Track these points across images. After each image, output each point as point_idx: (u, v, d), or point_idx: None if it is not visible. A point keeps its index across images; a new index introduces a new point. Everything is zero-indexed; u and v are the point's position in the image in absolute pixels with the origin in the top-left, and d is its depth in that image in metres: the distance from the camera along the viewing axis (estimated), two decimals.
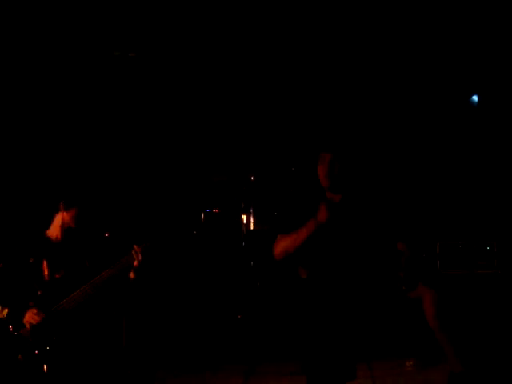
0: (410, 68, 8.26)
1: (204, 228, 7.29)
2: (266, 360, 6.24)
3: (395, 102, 8.35)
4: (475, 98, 8.59)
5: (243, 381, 5.83)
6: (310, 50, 8.01)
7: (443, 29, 7.98)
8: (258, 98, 8.10)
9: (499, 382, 4.75)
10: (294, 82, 8.14)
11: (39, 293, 4.14)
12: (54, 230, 4.29)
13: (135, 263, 4.15)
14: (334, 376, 3.81)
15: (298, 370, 5.92)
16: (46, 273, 4.19)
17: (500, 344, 6.22)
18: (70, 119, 7.57)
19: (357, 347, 3.94)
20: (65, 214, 4.25)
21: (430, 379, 5.96)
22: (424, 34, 8.06)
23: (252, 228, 7.11)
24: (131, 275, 4.22)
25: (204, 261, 7.14)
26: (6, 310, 4.08)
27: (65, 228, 4.27)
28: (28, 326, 4.04)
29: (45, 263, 4.20)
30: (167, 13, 7.50)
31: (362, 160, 4.36)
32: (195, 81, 8.01)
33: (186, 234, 7.20)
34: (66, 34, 7.44)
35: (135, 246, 4.17)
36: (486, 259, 7.10)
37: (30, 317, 4.03)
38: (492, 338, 6.47)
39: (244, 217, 7.16)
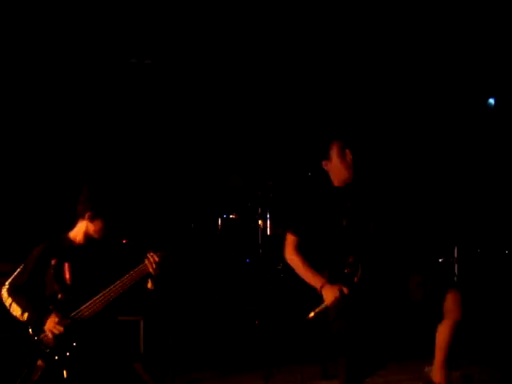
0: (428, 71, 8.25)
1: (221, 234, 7.30)
2: (285, 363, 6.22)
3: (413, 106, 8.33)
4: (492, 100, 8.56)
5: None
6: (328, 55, 8.03)
7: (460, 31, 7.97)
8: (274, 103, 8.12)
9: None
10: (310, 88, 8.15)
11: (59, 296, 4.14)
12: (76, 234, 4.31)
13: (151, 271, 4.15)
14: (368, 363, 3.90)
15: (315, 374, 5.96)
16: (68, 276, 4.19)
17: None
18: (90, 126, 7.62)
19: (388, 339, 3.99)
20: (89, 224, 4.26)
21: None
22: (442, 37, 8.05)
23: (269, 233, 7.11)
24: (149, 285, 4.23)
25: (221, 267, 7.15)
26: (26, 315, 4.10)
27: (88, 236, 4.28)
28: (50, 334, 4.05)
29: (66, 266, 4.20)
30: (183, 20, 7.54)
31: (377, 160, 4.39)
32: (211, 86, 8.04)
33: (203, 240, 7.24)
34: (83, 41, 7.50)
35: (151, 253, 4.17)
36: (505, 265, 7.07)
37: (53, 326, 4.04)
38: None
39: (261, 222, 7.16)
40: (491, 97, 8.57)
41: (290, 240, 4.09)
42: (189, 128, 7.93)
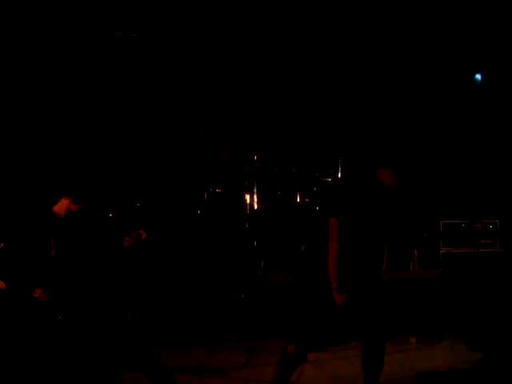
0: (414, 48, 8.23)
1: (207, 208, 7.29)
2: (270, 337, 6.26)
3: (400, 83, 8.33)
4: (478, 76, 8.56)
5: (248, 357, 5.86)
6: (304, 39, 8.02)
7: (446, 9, 7.95)
8: (258, 77, 8.08)
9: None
10: (294, 66, 8.12)
11: (45, 270, 4.15)
12: (60, 209, 4.31)
13: (125, 244, 4.18)
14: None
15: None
16: (53, 251, 4.20)
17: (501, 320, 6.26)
18: (75, 105, 7.56)
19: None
20: (72, 205, 4.27)
21: (432, 355, 6.01)
22: (427, 14, 8.03)
23: (256, 207, 7.11)
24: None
25: (208, 240, 7.15)
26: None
27: (70, 212, 4.28)
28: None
29: (52, 242, 4.21)
30: None
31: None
32: (199, 61, 7.98)
33: (189, 214, 7.24)
34: (67, 16, 7.41)
35: (132, 232, 4.19)
36: (488, 238, 7.12)
37: (38, 295, 4.06)
38: (493, 315, 6.52)
39: (247, 196, 7.15)
40: (478, 72, 8.56)
41: (333, 224, 4.31)
42: (175, 102, 7.88)
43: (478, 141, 8.20)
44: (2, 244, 4.21)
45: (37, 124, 7.31)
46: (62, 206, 4.32)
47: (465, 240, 7.03)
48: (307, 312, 4.28)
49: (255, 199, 7.11)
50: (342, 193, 4.59)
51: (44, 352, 4.06)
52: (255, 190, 7.08)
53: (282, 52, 8.04)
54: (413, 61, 8.27)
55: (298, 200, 7.33)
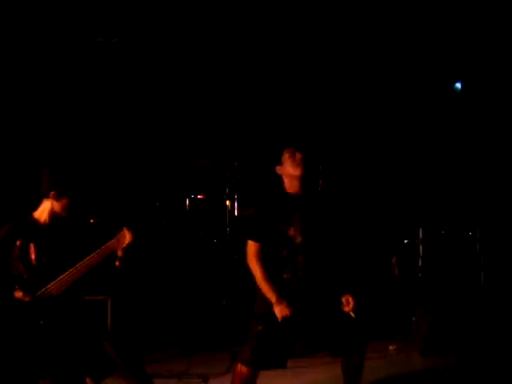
0: (393, 56, 8.29)
1: (189, 214, 7.29)
2: None
3: (379, 91, 8.38)
4: (459, 85, 8.63)
5: (230, 364, 5.86)
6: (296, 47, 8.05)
7: (426, 16, 8.01)
8: (241, 85, 8.11)
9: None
10: (277, 77, 8.15)
11: (25, 276, 4.13)
12: (41, 214, 4.28)
13: (119, 252, 4.16)
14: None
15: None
16: (33, 257, 4.18)
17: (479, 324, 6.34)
18: (55, 107, 7.53)
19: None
20: (54, 202, 4.24)
21: (411, 363, 6.05)
22: (407, 22, 8.09)
23: (236, 214, 7.12)
24: (117, 263, 4.22)
25: (189, 247, 7.15)
26: None
27: (53, 214, 4.26)
28: None
29: (32, 247, 4.19)
30: None
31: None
32: (180, 66, 7.99)
33: (170, 220, 7.24)
34: (48, 21, 7.39)
35: (125, 229, 4.16)
36: (468, 245, 7.18)
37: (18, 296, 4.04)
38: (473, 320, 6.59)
39: (228, 202, 7.16)
40: (458, 81, 8.64)
41: (252, 247, 4.20)
42: (157, 108, 7.88)
43: (458, 148, 8.27)
44: None
45: (15, 127, 7.28)
46: (43, 209, 4.30)
47: (444, 247, 7.08)
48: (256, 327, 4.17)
49: (236, 206, 7.12)
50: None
51: (23, 355, 4.04)
52: (236, 197, 7.09)
53: (262, 62, 8.06)
54: (392, 69, 8.32)
55: None
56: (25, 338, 4.04)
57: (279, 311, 4.03)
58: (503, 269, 7.13)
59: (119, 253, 4.18)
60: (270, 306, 4.08)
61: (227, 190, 7.17)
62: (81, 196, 4.33)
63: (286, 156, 4.21)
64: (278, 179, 4.26)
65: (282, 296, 4.07)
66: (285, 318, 4.04)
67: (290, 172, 4.17)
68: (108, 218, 6.37)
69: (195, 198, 7.34)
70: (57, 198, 4.21)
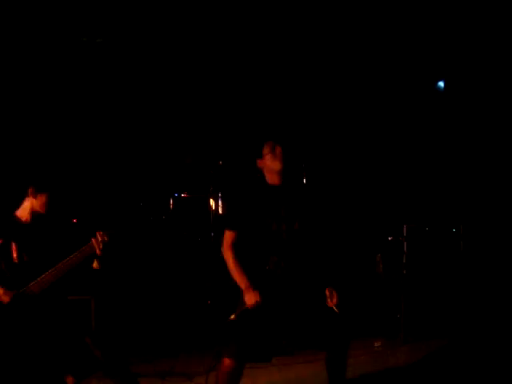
0: (376, 54, 8.31)
1: (173, 213, 7.27)
2: None
3: (363, 89, 8.40)
4: (441, 83, 8.67)
5: (214, 363, 5.83)
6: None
7: (409, 15, 8.04)
8: (225, 83, 8.10)
9: None
10: (261, 75, 8.15)
11: (7, 275, 4.12)
12: (23, 212, 4.28)
13: (97, 251, 4.15)
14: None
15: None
16: (15, 255, 4.17)
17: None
18: (37, 105, 7.49)
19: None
20: (33, 200, 4.24)
21: (396, 358, 6.07)
22: (390, 21, 8.12)
23: (220, 212, 7.11)
24: (94, 265, 4.23)
25: (173, 246, 7.12)
26: None
27: (34, 213, 4.26)
28: None
29: (14, 246, 4.18)
30: None
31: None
32: (165, 65, 7.98)
33: (153, 218, 7.21)
34: (33, 20, 7.37)
35: (100, 232, 4.17)
36: (452, 242, 7.20)
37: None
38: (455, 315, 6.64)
39: (212, 201, 7.15)
40: (441, 80, 8.67)
41: (227, 235, 4.21)
42: (141, 107, 7.86)
43: (441, 146, 8.30)
44: None
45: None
46: (24, 208, 4.29)
47: (428, 244, 7.10)
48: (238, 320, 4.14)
49: (220, 204, 7.11)
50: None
51: (6, 355, 4.02)
52: (220, 195, 7.08)
53: (245, 60, 8.06)
54: (375, 68, 8.35)
55: None
56: (5, 336, 4.03)
57: (248, 299, 4.02)
58: (487, 265, 7.16)
59: (97, 253, 4.18)
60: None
61: (211, 189, 7.15)
62: (59, 193, 4.33)
63: (266, 150, 4.21)
64: (260, 172, 4.26)
65: (264, 288, 4.07)
66: (257, 307, 4.02)
67: (269, 166, 4.17)
68: (90, 217, 6.34)
69: (179, 196, 7.32)
70: (35, 195, 4.21)
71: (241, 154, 7.41)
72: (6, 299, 4.03)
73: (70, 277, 4.25)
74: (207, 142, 7.88)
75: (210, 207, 7.17)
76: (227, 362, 4.12)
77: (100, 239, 4.15)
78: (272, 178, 4.21)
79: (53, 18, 7.45)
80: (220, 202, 7.09)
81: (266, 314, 4.08)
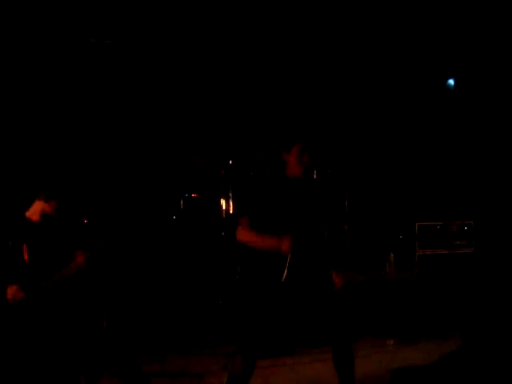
0: (385, 52, 8.29)
1: (183, 213, 7.26)
2: None
3: (372, 87, 8.38)
4: (451, 81, 8.64)
5: (226, 362, 5.84)
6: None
7: (419, 12, 8.02)
8: (235, 83, 8.09)
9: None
10: (271, 75, 8.14)
11: (19, 275, 4.13)
12: (33, 213, 4.29)
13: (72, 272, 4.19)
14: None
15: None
16: (26, 257, 4.19)
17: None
18: (46, 107, 7.50)
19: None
20: (45, 204, 4.26)
21: (409, 356, 6.05)
22: (399, 19, 8.10)
23: (231, 212, 7.09)
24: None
25: (184, 246, 7.12)
26: None
27: (44, 214, 4.27)
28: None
29: (25, 247, 4.20)
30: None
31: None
32: (173, 65, 7.98)
33: (165, 220, 7.22)
34: (41, 21, 7.38)
35: (79, 253, 4.21)
36: (463, 239, 7.17)
37: (13, 294, 4.03)
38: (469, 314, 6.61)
39: (223, 201, 7.13)
40: (451, 78, 8.64)
41: (243, 222, 4.26)
42: (150, 108, 7.86)
43: (452, 144, 8.27)
44: None
45: (5, 126, 7.25)
46: (35, 210, 4.31)
47: (440, 241, 7.07)
48: (249, 316, 4.18)
49: (231, 204, 7.10)
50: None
51: (17, 355, 4.03)
52: (231, 195, 7.07)
53: (256, 59, 8.06)
54: (385, 66, 8.32)
55: None
56: (18, 336, 4.03)
57: (285, 245, 4.02)
58: (498, 262, 7.13)
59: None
60: (260, 295, 4.11)
61: (222, 189, 7.14)
62: (70, 199, 4.37)
63: (294, 150, 4.27)
64: (282, 164, 4.32)
65: (272, 288, 4.09)
66: (276, 308, 4.04)
67: (292, 168, 4.27)
68: (101, 218, 6.35)
69: (189, 196, 7.31)
70: (46, 200, 4.24)
71: (251, 153, 7.40)
72: (20, 295, 4.04)
73: (81, 279, 4.26)
74: (217, 141, 7.87)
75: (221, 207, 7.15)
76: (239, 359, 4.13)
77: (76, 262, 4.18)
78: (291, 173, 4.29)
79: (61, 18, 7.46)
80: (231, 202, 7.08)
81: (277, 311, 4.10)
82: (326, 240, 4.33)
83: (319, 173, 6.84)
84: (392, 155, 8.26)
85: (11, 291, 4.08)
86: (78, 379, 4.31)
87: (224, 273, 7.00)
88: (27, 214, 4.33)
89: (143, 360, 5.86)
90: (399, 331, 6.80)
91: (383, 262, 6.75)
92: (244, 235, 4.22)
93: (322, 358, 5.58)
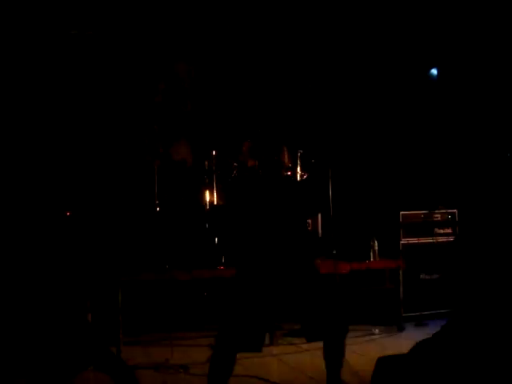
0: (368, 41, 8.28)
1: (167, 205, 7.24)
2: None
3: (354, 78, 8.37)
4: (434, 71, 8.65)
5: (210, 353, 5.83)
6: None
7: (401, 2, 8.03)
8: (218, 71, 8.07)
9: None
10: (258, 65, 8.13)
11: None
12: None
13: None
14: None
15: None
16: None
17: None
18: (28, 100, 7.45)
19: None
20: None
21: (394, 344, 6.08)
22: (382, 7, 8.10)
23: (216, 203, 7.07)
24: None
25: (168, 238, 7.09)
26: None
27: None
28: None
29: None
30: None
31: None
32: (156, 56, 7.95)
33: (148, 212, 7.20)
34: (21, 13, 7.32)
35: None
36: (447, 227, 7.20)
37: None
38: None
39: (207, 192, 7.10)
40: (433, 67, 8.65)
41: None
42: (133, 99, 7.82)
43: (435, 132, 8.29)
44: None
45: None
46: None
47: (424, 230, 7.09)
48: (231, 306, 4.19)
49: (215, 195, 7.07)
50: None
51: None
52: (215, 186, 7.04)
53: (246, 51, 8.05)
54: (367, 55, 8.32)
55: None
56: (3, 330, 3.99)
57: None
58: (483, 251, 7.14)
59: None
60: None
61: (206, 180, 7.11)
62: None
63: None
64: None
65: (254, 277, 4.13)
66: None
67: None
68: (83, 210, 6.32)
69: (173, 188, 7.30)
70: None
71: (235, 143, 7.37)
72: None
73: (67, 269, 4.23)
74: (201, 132, 7.86)
75: (205, 198, 7.12)
76: (217, 350, 4.14)
77: None
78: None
79: (42, 10, 7.40)
80: (215, 193, 7.05)
81: (255, 302, 4.10)
82: (309, 230, 4.34)
83: (303, 162, 6.85)
84: (376, 144, 8.27)
85: None
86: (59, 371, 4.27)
87: (208, 264, 6.98)
88: None
89: (127, 351, 5.88)
90: (384, 319, 6.83)
91: (367, 251, 6.76)
92: None
93: (309, 347, 5.61)
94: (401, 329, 6.72)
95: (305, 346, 5.87)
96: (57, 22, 7.59)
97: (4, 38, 7.28)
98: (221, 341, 4.13)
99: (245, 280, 4.19)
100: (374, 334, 6.57)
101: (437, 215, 7.16)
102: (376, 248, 6.75)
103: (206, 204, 7.16)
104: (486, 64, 7.97)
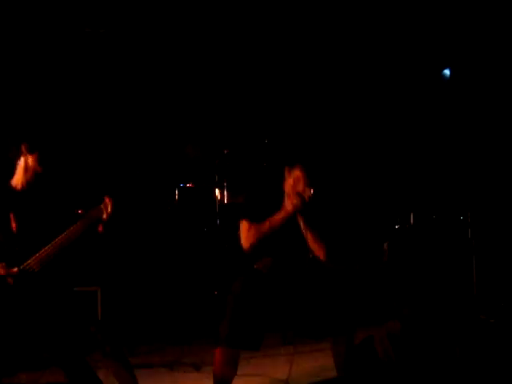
0: (380, 42, 8.27)
1: (178, 203, 7.25)
2: None
3: (366, 79, 8.36)
4: (447, 71, 8.61)
5: None
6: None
7: (414, 2, 8.00)
8: (229, 71, 8.08)
9: None
10: (264, 65, 8.13)
11: (6, 248, 4.00)
12: (18, 178, 4.14)
13: (104, 216, 4.09)
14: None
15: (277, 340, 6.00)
16: (14, 226, 4.05)
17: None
18: (40, 96, 7.46)
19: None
20: (28, 157, 4.09)
21: None
22: (394, 9, 8.08)
23: (226, 201, 7.08)
24: (99, 228, 4.14)
25: (179, 236, 7.11)
26: None
27: (30, 173, 4.11)
28: None
29: (12, 216, 4.06)
30: None
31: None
32: (167, 55, 7.96)
33: (160, 210, 7.20)
34: (34, 11, 7.34)
35: (106, 198, 4.11)
36: (459, 229, 7.17)
37: (4, 271, 3.95)
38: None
39: (218, 191, 7.12)
40: (446, 68, 8.62)
41: (245, 225, 4.24)
42: (145, 97, 7.84)
43: (447, 134, 8.26)
44: None
45: None
46: (18, 175, 4.14)
47: (436, 232, 7.07)
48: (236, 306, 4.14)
49: (225, 194, 7.09)
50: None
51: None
52: (225, 185, 7.06)
53: (249, 51, 8.05)
54: (379, 56, 8.31)
55: None
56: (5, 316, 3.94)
57: (291, 203, 4.07)
58: (495, 253, 7.13)
59: (104, 218, 4.11)
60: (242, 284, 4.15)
61: (216, 178, 7.13)
62: (54, 148, 4.21)
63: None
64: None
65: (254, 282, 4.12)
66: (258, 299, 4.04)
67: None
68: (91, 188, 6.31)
69: (184, 186, 7.30)
70: (29, 151, 4.05)
71: (246, 142, 7.39)
72: (1, 272, 3.94)
73: (77, 267, 4.19)
74: (212, 131, 7.87)
75: (216, 197, 7.14)
76: (218, 349, 4.12)
77: (108, 203, 4.09)
78: None
79: (55, 8, 7.42)
80: (225, 192, 7.07)
81: (259, 301, 4.09)
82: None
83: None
84: (388, 145, 8.25)
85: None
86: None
87: (219, 262, 6.99)
88: (12, 182, 4.17)
89: (138, 350, 5.88)
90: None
91: (379, 252, 6.76)
92: (254, 234, 4.19)
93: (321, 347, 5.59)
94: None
95: (315, 346, 5.84)
96: (70, 20, 7.61)
97: (19, 37, 7.30)
98: (225, 338, 4.10)
99: (255, 280, 4.17)
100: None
101: (449, 217, 7.14)
102: (387, 249, 6.74)
103: (216, 202, 7.17)
104: (499, 65, 7.93)
